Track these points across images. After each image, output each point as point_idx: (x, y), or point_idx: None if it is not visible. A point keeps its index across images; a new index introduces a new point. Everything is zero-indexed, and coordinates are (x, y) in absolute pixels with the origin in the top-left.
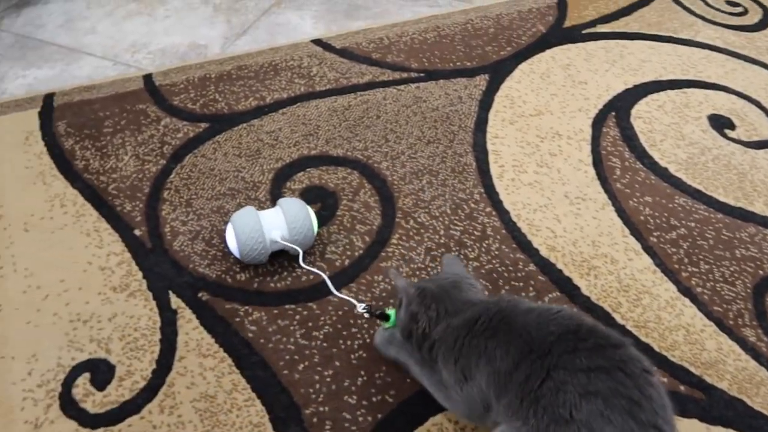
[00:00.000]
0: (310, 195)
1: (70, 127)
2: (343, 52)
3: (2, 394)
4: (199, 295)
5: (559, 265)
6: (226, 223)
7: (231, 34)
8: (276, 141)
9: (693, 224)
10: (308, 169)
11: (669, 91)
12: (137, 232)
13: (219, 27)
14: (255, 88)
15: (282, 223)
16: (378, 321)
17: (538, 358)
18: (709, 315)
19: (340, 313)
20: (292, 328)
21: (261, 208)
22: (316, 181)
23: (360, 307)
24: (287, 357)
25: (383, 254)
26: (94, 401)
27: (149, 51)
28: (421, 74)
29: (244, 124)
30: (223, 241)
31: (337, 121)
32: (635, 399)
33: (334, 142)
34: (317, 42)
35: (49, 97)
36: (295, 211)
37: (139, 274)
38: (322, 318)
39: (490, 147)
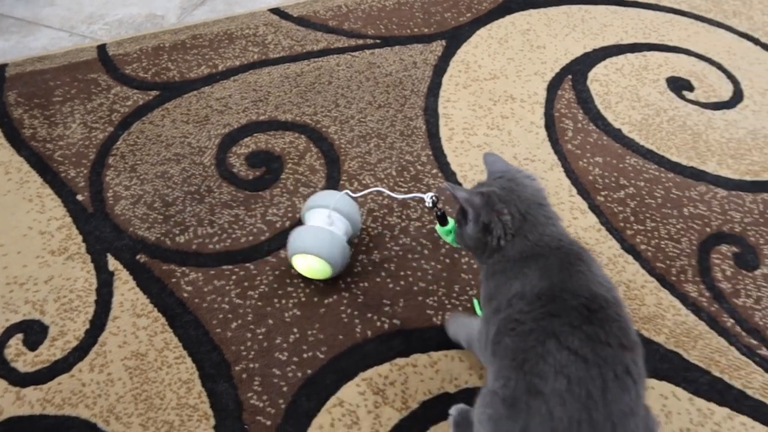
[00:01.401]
0: (255, 159)
1: (20, 97)
2: (300, 20)
3: None
4: (137, 257)
5: None
6: (288, 248)
7: (189, 5)
8: (225, 107)
9: (642, 183)
10: (255, 134)
11: (629, 55)
12: (80, 197)
13: None
14: (208, 57)
15: (342, 220)
16: (436, 222)
17: (548, 316)
18: (651, 272)
19: (276, 272)
20: (227, 288)
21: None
22: (263, 145)
23: (428, 197)
24: (221, 316)
25: None
26: (25, 361)
27: (106, 22)
28: (377, 41)
29: (195, 92)
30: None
31: (289, 87)
32: (595, 397)
33: (284, 108)
34: (275, 11)
35: (0, 69)
36: (345, 206)
37: (79, 238)
38: (259, 278)
39: (441, 111)
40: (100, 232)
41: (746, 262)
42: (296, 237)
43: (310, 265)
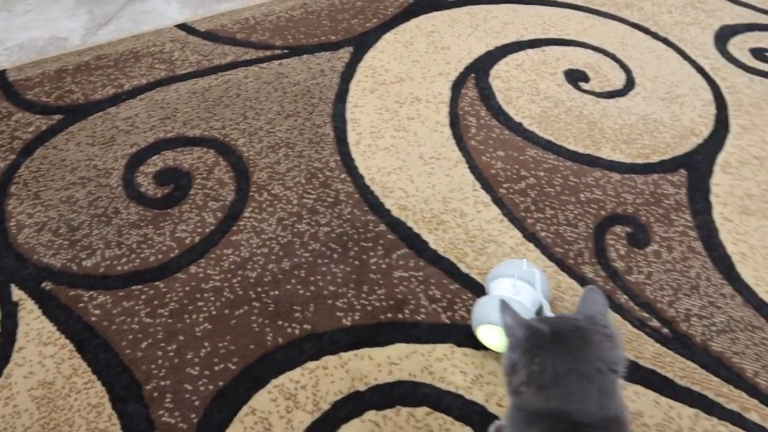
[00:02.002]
0: (163, 177)
1: None
2: (208, 35)
3: None
4: (43, 285)
5: (410, 223)
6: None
7: (93, 25)
8: (132, 127)
9: (542, 173)
10: (163, 152)
11: (528, 50)
12: None
13: (81, 18)
14: (113, 77)
15: (528, 290)
16: None
17: None
18: (551, 257)
19: (187, 288)
20: (137, 308)
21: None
22: (171, 162)
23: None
24: (130, 337)
25: (234, 228)
26: None
27: (6, 47)
28: (285, 51)
29: (100, 113)
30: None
31: (196, 102)
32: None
33: (192, 123)
34: (182, 27)
35: None
36: (532, 275)
37: None
38: (169, 295)
39: (349, 116)
40: (3, 263)
41: (638, 241)
42: (480, 307)
43: (493, 336)
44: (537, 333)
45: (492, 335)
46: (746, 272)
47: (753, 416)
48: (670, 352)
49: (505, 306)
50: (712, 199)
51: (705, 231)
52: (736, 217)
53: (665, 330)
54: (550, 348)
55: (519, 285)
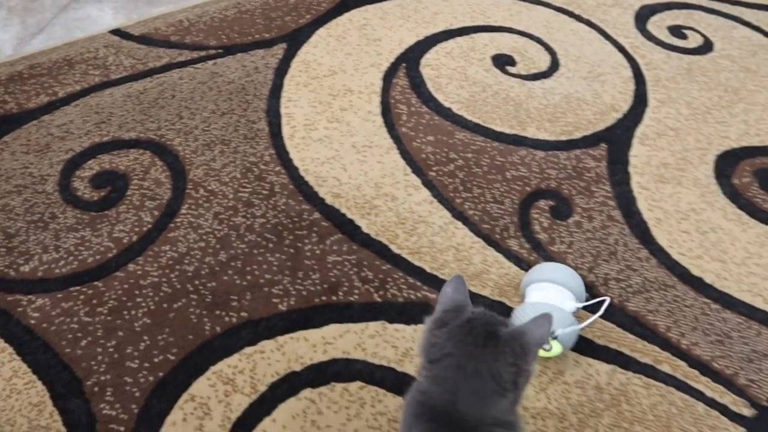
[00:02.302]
0: (99, 180)
1: None
2: (142, 39)
3: None
4: None
5: (343, 210)
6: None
7: (25, 35)
8: (67, 133)
9: (470, 155)
10: (99, 156)
11: (458, 38)
12: None
13: (12, 29)
14: (47, 85)
15: (565, 294)
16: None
17: None
18: (478, 233)
19: (125, 286)
20: (76, 308)
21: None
22: (107, 166)
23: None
24: (70, 336)
25: (171, 225)
26: None
27: None
28: (219, 50)
29: (35, 121)
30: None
31: (132, 105)
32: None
33: (127, 126)
34: (115, 32)
35: None
36: (568, 279)
37: None
38: (108, 294)
39: (283, 111)
40: None
41: (560, 213)
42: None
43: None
44: (456, 313)
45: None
46: (661, 236)
47: (665, 368)
48: (590, 314)
49: (459, 279)
50: (631, 170)
51: (623, 200)
52: (652, 186)
53: (586, 295)
54: (454, 330)
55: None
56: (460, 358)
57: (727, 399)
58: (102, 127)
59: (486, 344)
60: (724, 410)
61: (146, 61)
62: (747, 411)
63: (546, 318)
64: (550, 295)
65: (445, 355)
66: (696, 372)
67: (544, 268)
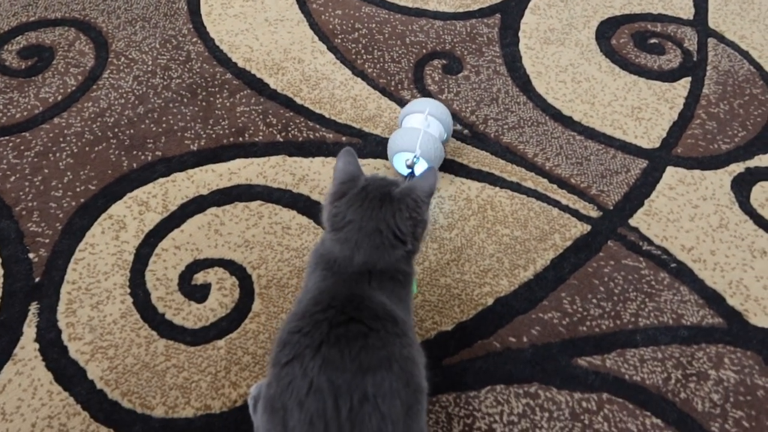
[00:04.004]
0: (26, 53)
1: None
2: None
3: None
4: None
5: (253, 71)
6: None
7: None
8: None
9: (374, 25)
10: (26, 33)
11: None
12: None
13: None
14: None
15: (437, 124)
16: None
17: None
18: (375, 86)
19: (51, 135)
20: (5, 153)
21: None
22: (33, 41)
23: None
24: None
25: (94, 87)
26: None
27: None
28: None
29: None
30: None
31: None
32: None
33: (53, 8)
34: None
35: None
36: (440, 112)
37: None
38: (34, 141)
39: None
40: None
41: (452, 70)
42: (395, 138)
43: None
44: (351, 183)
45: (403, 162)
46: (540, 85)
47: (528, 184)
48: (468, 146)
49: (348, 153)
50: (520, 34)
51: (510, 58)
52: (537, 47)
53: (466, 131)
54: (353, 198)
55: (430, 119)
56: (361, 222)
57: (579, 205)
58: (29, 9)
59: (382, 205)
60: (575, 213)
61: None
62: (594, 213)
63: (431, 172)
64: (419, 121)
65: (347, 223)
66: (555, 186)
67: (418, 102)
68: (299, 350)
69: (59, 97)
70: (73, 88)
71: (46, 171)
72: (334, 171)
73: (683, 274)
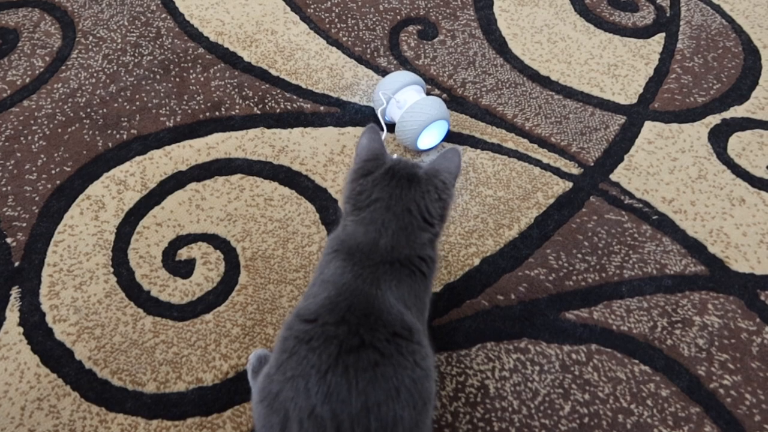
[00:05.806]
0: None
1: None
2: None
3: None
4: None
5: (226, 45)
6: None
7: None
8: None
9: None
10: None
11: None
12: None
13: None
14: None
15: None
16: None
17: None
18: (351, 55)
19: (21, 118)
20: None
21: None
22: None
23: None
24: None
25: (63, 67)
26: None
27: None
28: None
29: None
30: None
31: None
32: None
33: None
34: None
35: None
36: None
37: None
38: (4, 125)
39: None
40: None
41: (427, 35)
42: (425, 109)
43: (439, 129)
44: (375, 161)
45: (435, 130)
46: (516, 47)
47: (509, 145)
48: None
49: (372, 129)
50: None
51: (485, 21)
52: (512, 8)
53: (444, 95)
54: (378, 177)
55: (417, 87)
56: (389, 201)
57: (560, 163)
58: None
59: (410, 186)
60: (556, 171)
61: None
62: (575, 170)
63: (454, 151)
64: (418, 92)
65: (373, 201)
66: (536, 146)
67: (399, 75)
68: (305, 369)
69: (27, 80)
70: (41, 69)
71: (18, 155)
72: (357, 147)
73: (665, 225)
